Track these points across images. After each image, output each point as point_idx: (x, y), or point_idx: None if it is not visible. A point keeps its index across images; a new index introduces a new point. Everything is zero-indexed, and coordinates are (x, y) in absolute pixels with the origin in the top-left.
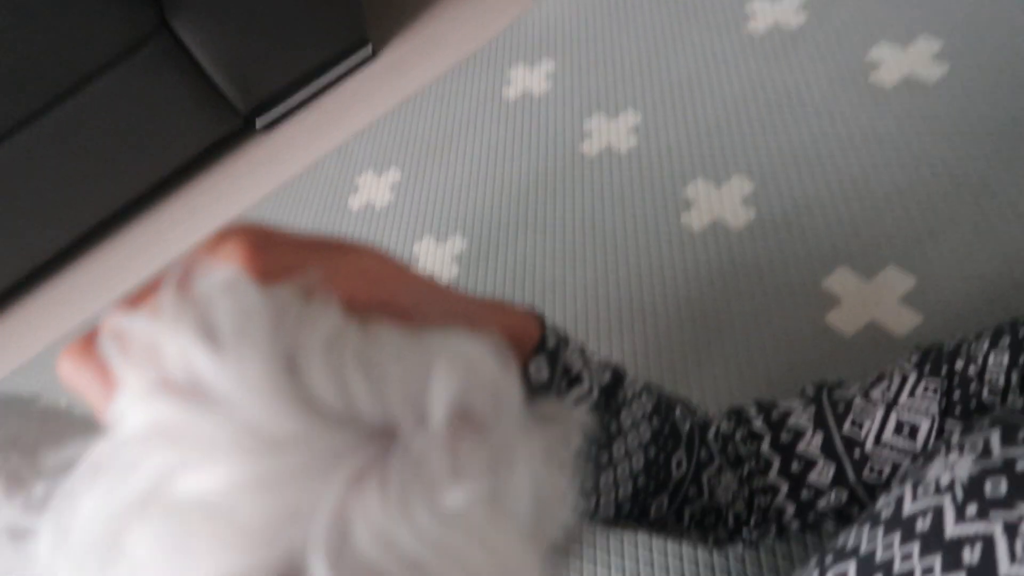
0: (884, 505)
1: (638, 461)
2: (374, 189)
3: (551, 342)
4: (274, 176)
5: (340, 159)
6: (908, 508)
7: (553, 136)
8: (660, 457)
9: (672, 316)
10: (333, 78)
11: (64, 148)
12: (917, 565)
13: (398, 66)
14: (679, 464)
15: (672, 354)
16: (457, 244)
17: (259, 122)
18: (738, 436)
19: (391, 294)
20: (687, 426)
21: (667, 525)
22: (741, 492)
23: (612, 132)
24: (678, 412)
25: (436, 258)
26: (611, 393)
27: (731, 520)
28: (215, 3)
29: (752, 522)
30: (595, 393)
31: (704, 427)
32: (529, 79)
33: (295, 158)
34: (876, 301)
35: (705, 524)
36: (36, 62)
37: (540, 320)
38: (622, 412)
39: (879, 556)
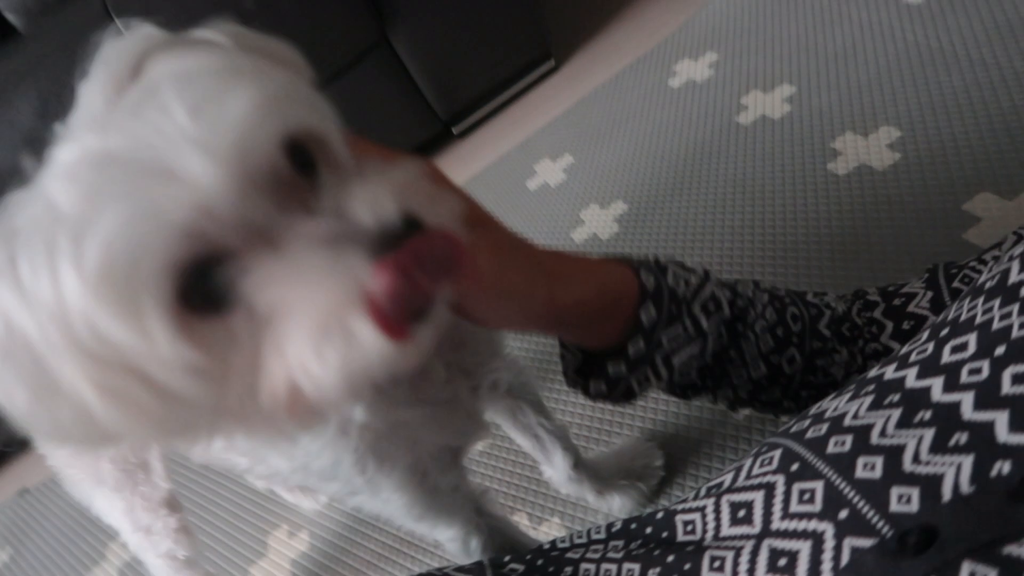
0: (988, 278)
1: (756, 370)
2: (549, 172)
3: (650, 283)
4: (466, 173)
5: (521, 151)
6: (1014, 278)
7: (712, 113)
8: (773, 359)
9: (813, 249)
10: (519, 88)
11: None
12: None
13: (577, 75)
14: (791, 360)
15: (811, 280)
16: (619, 208)
17: (456, 129)
18: (854, 310)
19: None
20: (798, 326)
21: (782, 405)
22: (854, 363)
23: (767, 103)
24: (789, 314)
25: (599, 220)
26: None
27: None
28: (426, 21)
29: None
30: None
31: (816, 319)
32: (693, 69)
33: (484, 157)
34: (1018, 218)
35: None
36: None
37: (634, 268)
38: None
39: (995, 325)
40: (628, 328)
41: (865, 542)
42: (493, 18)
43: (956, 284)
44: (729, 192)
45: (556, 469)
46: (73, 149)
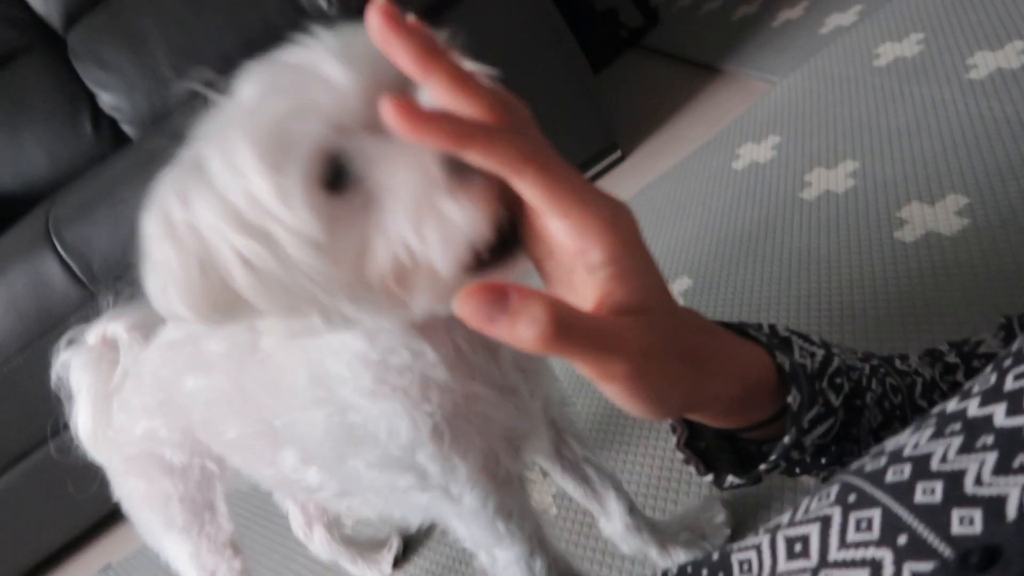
0: None
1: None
2: None
3: (787, 365)
4: None
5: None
6: None
7: (775, 191)
8: (882, 435)
9: (883, 315)
10: (588, 177)
11: None
12: None
13: (643, 163)
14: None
15: (881, 346)
16: (684, 283)
17: None
18: (936, 375)
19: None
20: (898, 398)
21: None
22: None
23: (830, 179)
24: (888, 384)
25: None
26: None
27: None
28: None
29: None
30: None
31: (911, 388)
32: (756, 152)
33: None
34: None
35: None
36: None
37: (767, 348)
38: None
39: None
40: (768, 414)
41: (926, 566)
42: (559, 112)
43: None
44: (794, 264)
45: (612, 518)
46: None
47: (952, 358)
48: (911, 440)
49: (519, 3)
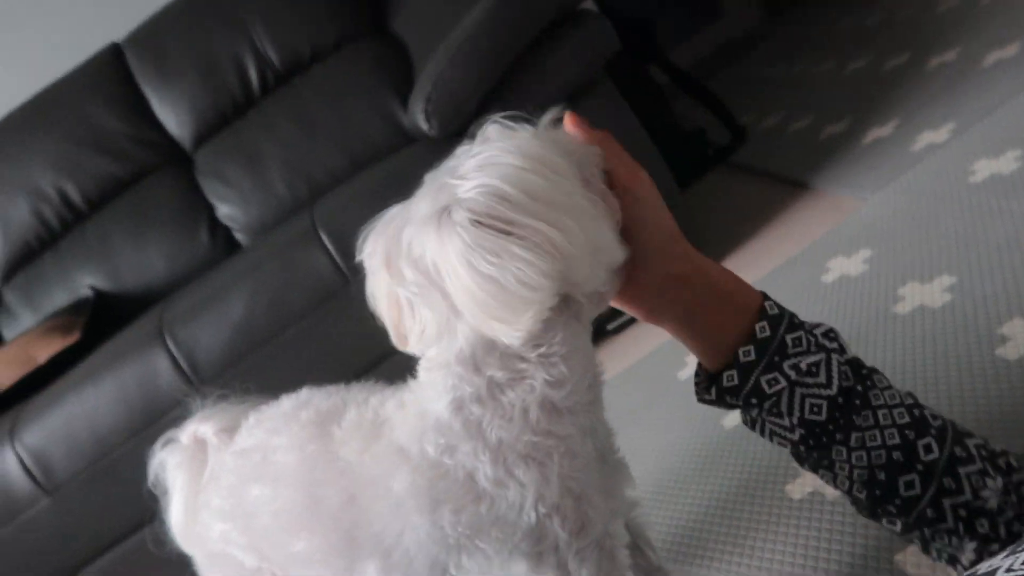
0: None
1: (890, 438)
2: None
3: (774, 311)
4: (620, 367)
5: (671, 345)
6: None
7: (866, 305)
8: (908, 433)
9: (985, 431)
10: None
11: None
12: None
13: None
14: (928, 448)
15: None
16: None
17: (609, 326)
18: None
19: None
20: (938, 423)
21: (926, 517)
22: (1009, 499)
23: (925, 293)
24: (928, 411)
25: None
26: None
27: (1003, 530)
28: None
29: None
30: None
31: (963, 434)
32: (846, 265)
33: (638, 352)
34: None
35: (977, 528)
36: None
37: (764, 295)
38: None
39: None
40: (743, 342)
41: None
42: None
43: None
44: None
45: None
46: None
47: None
48: (1008, 562)
49: (605, 122)
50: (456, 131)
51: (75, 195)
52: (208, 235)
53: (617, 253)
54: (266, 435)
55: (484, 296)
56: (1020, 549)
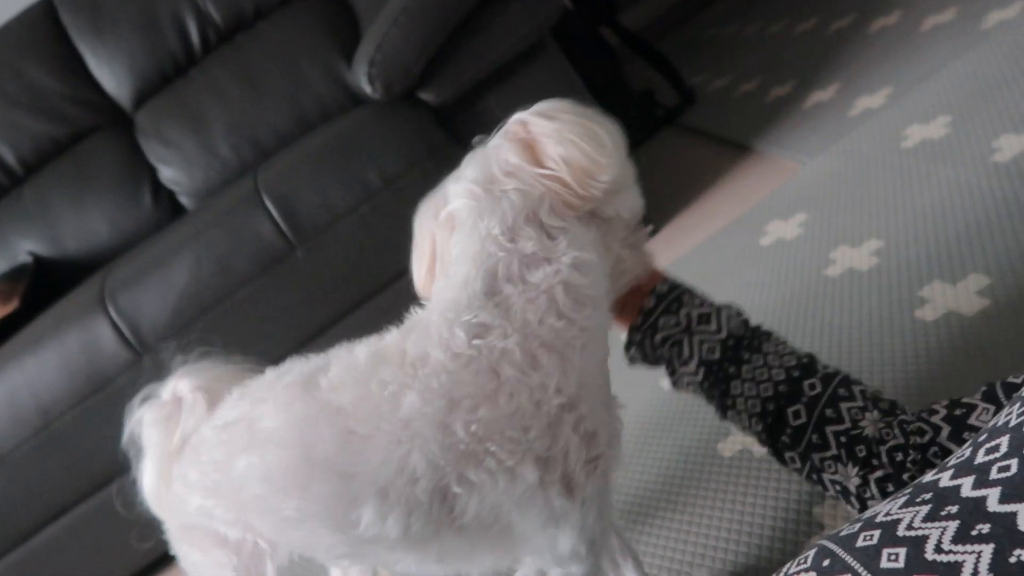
0: None
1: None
2: None
3: (663, 288)
4: None
5: None
6: None
7: (800, 268)
8: (794, 372)
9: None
10: None
11: None
12: None
13: (674, 238)
14: (812, 385)
15: None
16: None
17: None
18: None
19: None
20: (829, 370)
21: (812, 443)
22: (892, 431)
23: (854, 257)
24: (820, 362)
25: None
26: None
27: (884, 457)
28: None
29: (909, 460)
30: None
31: (852, 381)
32: (783, 229)
33: None
34: None
35: (856, 453)
36: None
37: (664, 275)
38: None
39: None
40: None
41: None
42: None
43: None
44: (815, 340)
45: None
46: None
47: (939, 407)
48: (884, 507)
49: (551, 84)
50: (401, 93)
51: (10, 157)
52: (151, 198)
53: (638, 209)
54: (250, 405)
55: (579, 140)
56: (899, 496)
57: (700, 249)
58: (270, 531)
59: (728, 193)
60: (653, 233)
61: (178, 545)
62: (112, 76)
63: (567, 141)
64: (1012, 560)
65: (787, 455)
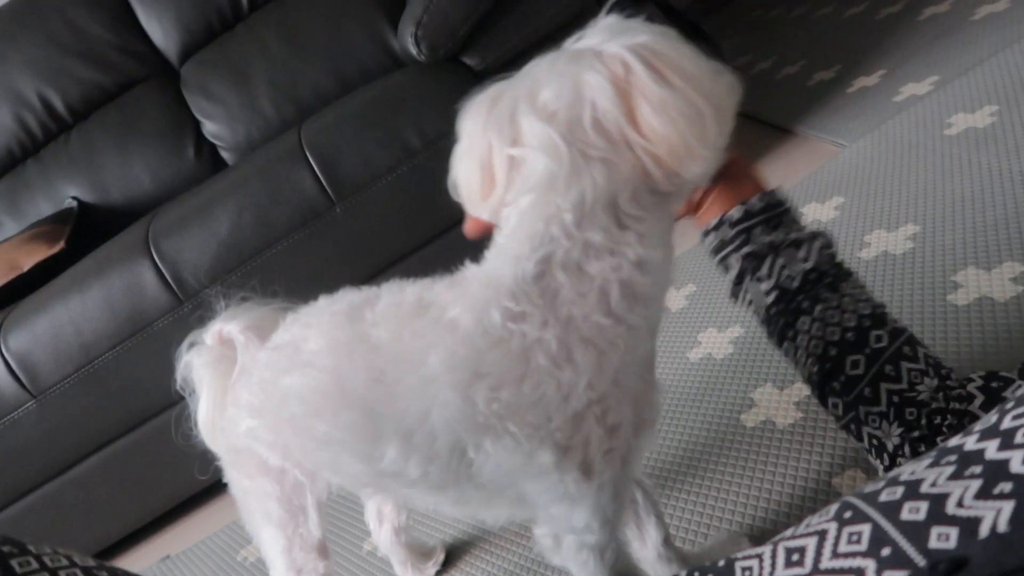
0: None
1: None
2: (671, 298)
3: (774, 199)
4: None
5: None
6: None
7: None
8: (864, 322)
9: None
10: None
11: None
12: None
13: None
14: (879, 338)
15: None
16: (735, 331)
17: None
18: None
19: None
20: (899, 325)
21: (863, 396)
22: (938, 396)
23: (889, 241)
24: (889, 315)
25: (715, 342)
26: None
27: (924, 420)
28: None
29: (946, 424)
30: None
31: (917, 342)
32: (819, 211)
33: None
34: None
35: (906, 415)
36: None
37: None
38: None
39: None
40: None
41: (902, 574)
42: None
43: None
44: None
45: (647, 544)
46: None
47: (976, 376)
48: (909, 468)
49: None
50: (445, 56)
51: (58, 103)
52: (194, 151)
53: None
54: (300, 329)
55: (683, 122)
56: (924, 458)
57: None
58: (303, 452)
59: (766, 174)
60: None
61: (229, 471)
62: (160, 28)
63: (668, 116)
64: None
65: (832, 400)
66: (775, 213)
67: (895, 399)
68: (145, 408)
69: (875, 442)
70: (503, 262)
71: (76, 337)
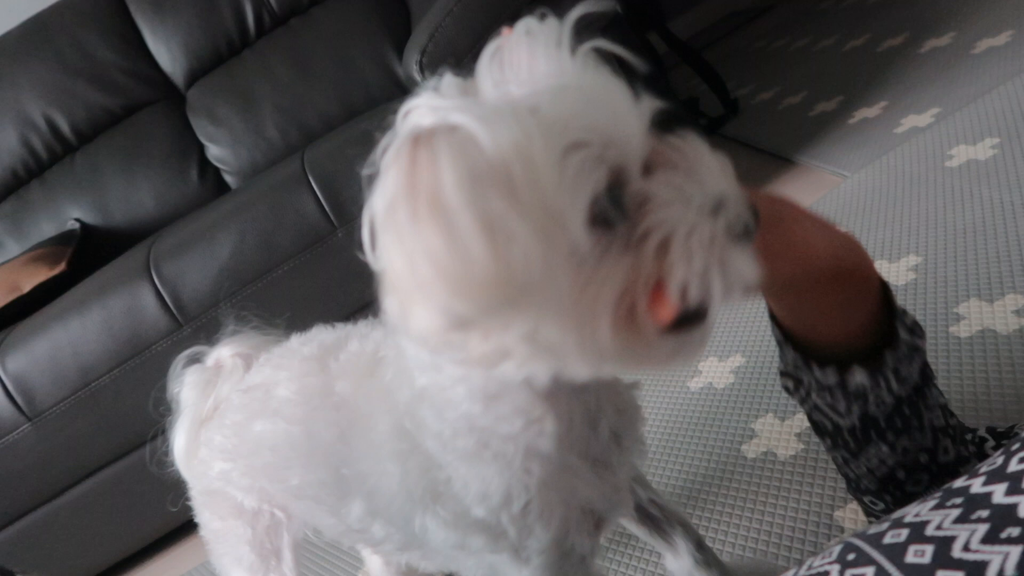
0: None
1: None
2: None
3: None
4: None
5: None
6: None
7: None
8: (940, 436)
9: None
10: None
11: None
12: None
13: None
14: (945, 450)
15: None
16: (736, 361)
17: None
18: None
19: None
20: (954, 420)
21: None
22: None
23: (891, 272)
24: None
25: (716, 372)
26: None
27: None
28: None
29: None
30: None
31: (964, 430)
32: None
33: None
34: None
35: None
36: None
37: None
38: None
39: None
40: (868, 320)
41: None
42: None
43: None
44: None
45: (679, 553)
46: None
47: (983, 432)
48: (914, 509)
49: None
50: None
51: (64, 126)
52: (198, 175)
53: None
54: (272, 371)
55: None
56: (929, 499)
57: None
58: (281, 498)
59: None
60: None
61: (201, 512)
62: (168, 52)
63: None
64: None
65: (869, 499)
66: (912, 346)
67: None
68: (142, 432)
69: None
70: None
71: (74, 359)
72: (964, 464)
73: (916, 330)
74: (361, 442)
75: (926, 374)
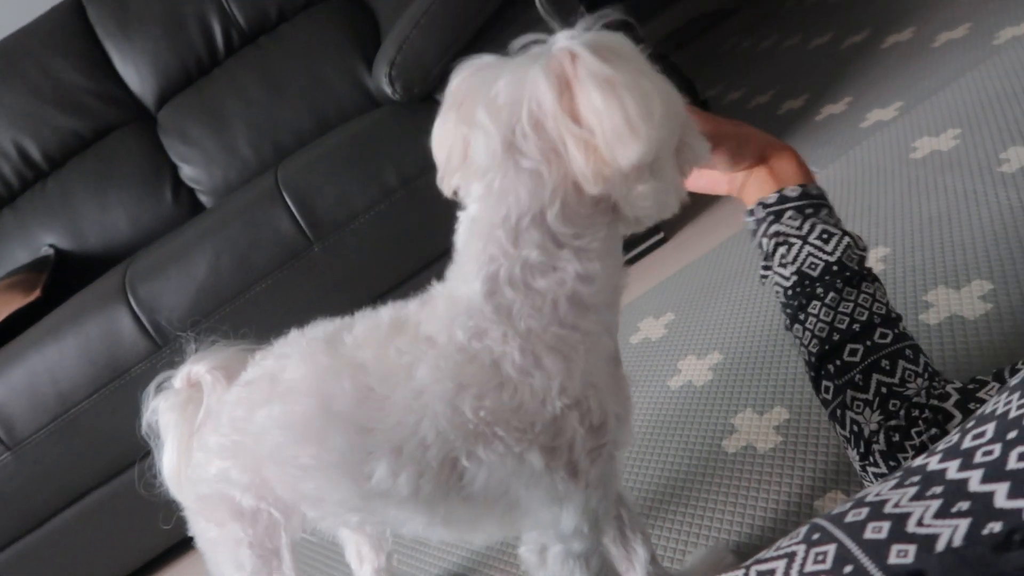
0: (1019, 377)
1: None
2: (651, 328)
3: (813, 191)
4: None
5: (627, 311)
6: None
7: None
8: (875, 319)
9: None
10: (629, 257)
11: None
12: None
13: (684, 245)
14: (884, 335)
15: None
16: (715, 358)
17: None
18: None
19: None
20: (907, 331)
21: (853, 383)
22: (921, 393)
23: None
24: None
25: (695, 370)
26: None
27: (903, 412)
28: None
29: (922, 418)
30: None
31: (921, 351)
32: None
33: None
34: None
35: (889, 405)
36: None
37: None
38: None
39: (1012, 414)
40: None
41: None
42: None
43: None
44: None
45: (635, 565)
46: None
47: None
48: (875, 489)
49: None
50: (420, 95)
51: (35, 151)
52: (172, 196)
53: (666, 209)
54: (274, 361)
55: (628, 96)
56: (890, 479)
57: (709, 257)
58: (284, 485)
59: (738, 202)
60: (663, 241)
61: (195, 522)
62: (137, 74)
63: (613, 91)
64: (985, 532)
65: (824, 383)
66: (810, 203)
67: (883, 390)
68: (124, 456)
69: (855, 428)
70: (459, 281)
71: (52, 386)
72: (909, 368)
73: (822, 197)
74: (395, 393)
75: (864, 268)
